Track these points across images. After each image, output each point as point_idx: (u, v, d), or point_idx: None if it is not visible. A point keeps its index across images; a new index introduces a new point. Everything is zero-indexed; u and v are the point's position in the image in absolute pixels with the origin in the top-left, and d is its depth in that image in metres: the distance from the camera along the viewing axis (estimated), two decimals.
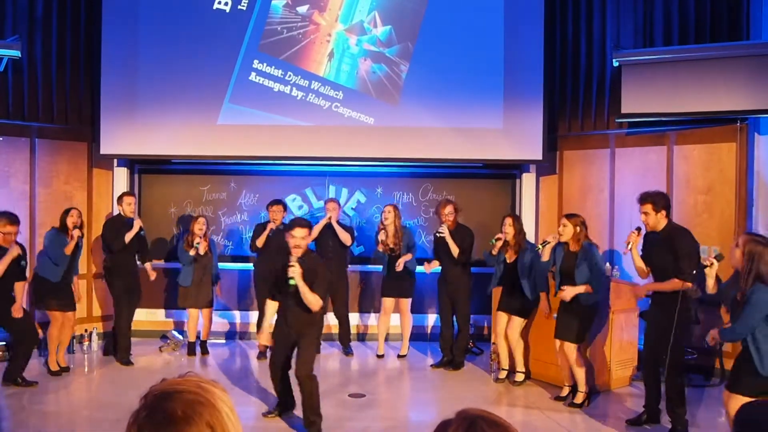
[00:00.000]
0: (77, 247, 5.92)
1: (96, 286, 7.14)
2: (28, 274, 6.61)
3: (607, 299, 5.52)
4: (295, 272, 4.32)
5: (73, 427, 4.73)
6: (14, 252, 5.25)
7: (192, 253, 6.47)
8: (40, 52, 6.85)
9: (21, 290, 5.47)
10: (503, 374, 5.88)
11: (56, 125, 7.00)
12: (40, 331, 6.66)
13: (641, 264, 4.75)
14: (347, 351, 6.81)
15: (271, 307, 4.75)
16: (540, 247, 5.36)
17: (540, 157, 7.06)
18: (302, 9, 7.01)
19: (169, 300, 7.44)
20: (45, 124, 6.91)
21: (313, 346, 4.70)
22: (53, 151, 7.00)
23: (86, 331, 6.79)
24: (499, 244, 5.76)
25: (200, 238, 6.49)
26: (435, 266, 6.41)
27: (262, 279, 6.44)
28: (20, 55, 6.47)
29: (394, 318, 6.79)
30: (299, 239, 4.40)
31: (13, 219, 5.30)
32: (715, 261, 4.03)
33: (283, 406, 4.84)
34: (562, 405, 5.26)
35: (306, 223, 4.61)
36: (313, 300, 4.39)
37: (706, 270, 4.04)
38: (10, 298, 5.38)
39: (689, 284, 4.42)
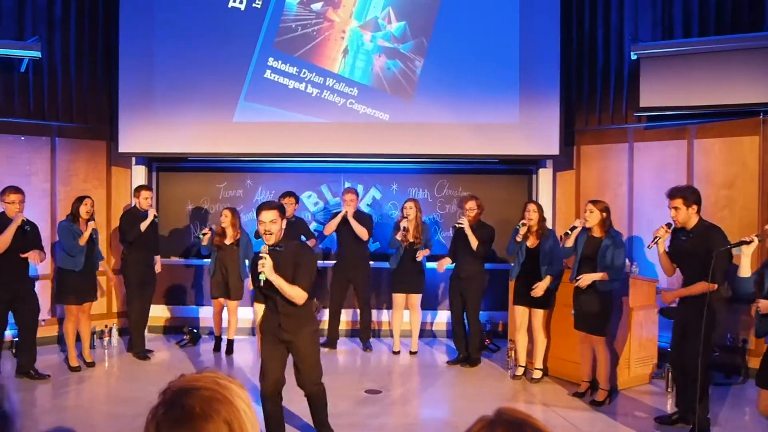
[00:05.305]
0: (92, 237, 5.91)
1: (116, 282, 7.21)
2: (49, 270, 6.74)
3: (625, 293, 5.46)
4: (265, 265, 3.76)
5: (92, 422, 4.79)
6: (18, 220, 5.34)
7: (205, 242, 6.51)
8: (60, 52, 6.93)
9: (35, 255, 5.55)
10: (520, 371, 5.85)
11: (76, 124, 7.08)
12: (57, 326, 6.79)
13: (667, 262, 4.64)
14: (366, 346, 6.82)
15: (260, 312, 4.21)
16: (569, 231, 5.32)
17: (557, 153, 7.00)
18: (316, 6, 7.01)
19: (188, 296, 7.51)
20: (65, 123, 6.99)
21: (315, 348, 4.12)
22: (73, 150, 7.08)
23: (106, 326, 6.87)
24: (524, 230, 5.69)
25: (209, 228, 6.55)
26: (447, 263, 6.37)
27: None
28: (40, 56, 6.57)
29: (406, 314, 6.79)
30: (268, 223, 3.81)
31: (14, 188, 5.44)
32: (756, 239, 3.77)
33: None
34: (580, 402, 5.22)
35: (275, 204, 3.98)
36: (293, 294, 3.81)
37: (744, 248, 3.77)
38: (23, 275, 5.52)
39: (713, 286, 4.32)
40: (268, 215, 3.82)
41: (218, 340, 6.78)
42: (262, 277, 3.78)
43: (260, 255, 3.80)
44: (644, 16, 6.69)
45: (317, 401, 4.17)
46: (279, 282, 3.80)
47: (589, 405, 5.14)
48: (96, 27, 7.16)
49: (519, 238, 5.74)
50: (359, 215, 6.66)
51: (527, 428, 1.09)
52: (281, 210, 3.93)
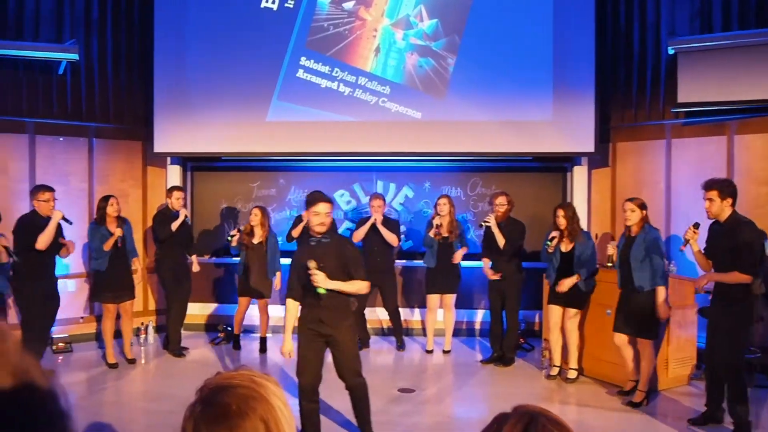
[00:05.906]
0: (116, 243, 5.96)
1: (151, 280, 7.35)
2: (83, 269, 6.90)
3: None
4: (318, 281, 3.85)
5: (128, 418, 4.88)
6: (57, 216, 5.46)
7: (234, 243, 6.55)
8: (97, 55, 7.08)
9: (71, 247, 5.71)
10: (555, 371, 5.77)
11: (112, 125, 7.22)
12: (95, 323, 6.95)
13: (702, 259, 4.59)
14: (400, 345, 6.80)
15: (293, 310, 4.15)
16: (609, 265, 5.45)
17: (592, 150, 6.88)
18: (348, 5, 7.02)
19: (221, 293, 7.60)
20: (102, 124, 7.15)
21: (354, 341, 4.22)
22: (110, 150, 7.24)
23: (142, 324, 7.00)
24: (555, 242, 5.62)
25: (237, 230, 6.59)
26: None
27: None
28: (78, 59, 6.72)
29: (440, 313, 6.74)
30: (324, 215, 3.94)
31: (47, 187, 5.57)
32: None
33: None
34: (617, 403, 5.13)
35: (328, 197, 4.09)
36: (355, 289, 3.99)
37: None
38: (51, 272, 5.62)
39: (747, 277, 4.23)
40: (326, 207, 3.98)
41: (237, 337, 6.77)
42: (321, 290, 3.88)
43: (309, 272, 3.85)
44: (681, 9, 6.52)
45: (358, 395, 4.17)
46: (338, 286, 3.93)
47: (626, 406, 5.04)
48: (132, 29, 7.30)
49: (550, 250, 5.66)
50: (387, 221, 6.63)
51: (541, 419, 1.09)
52: (332, 202, 4.14)
